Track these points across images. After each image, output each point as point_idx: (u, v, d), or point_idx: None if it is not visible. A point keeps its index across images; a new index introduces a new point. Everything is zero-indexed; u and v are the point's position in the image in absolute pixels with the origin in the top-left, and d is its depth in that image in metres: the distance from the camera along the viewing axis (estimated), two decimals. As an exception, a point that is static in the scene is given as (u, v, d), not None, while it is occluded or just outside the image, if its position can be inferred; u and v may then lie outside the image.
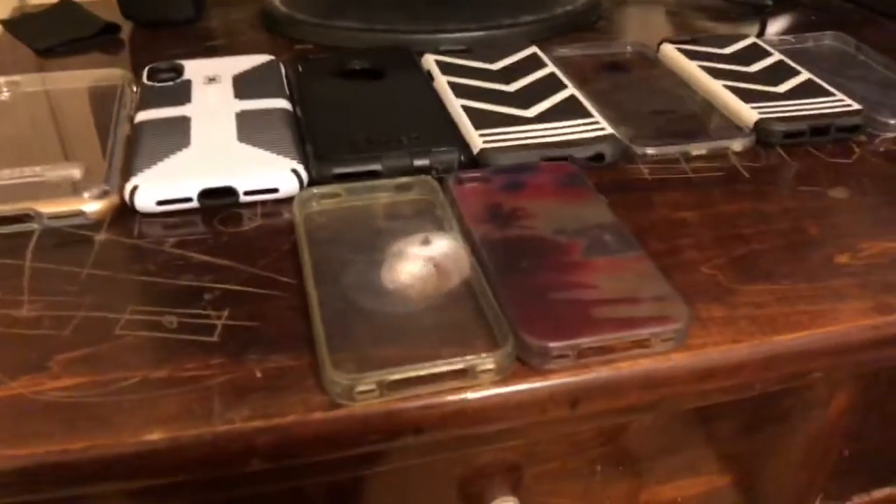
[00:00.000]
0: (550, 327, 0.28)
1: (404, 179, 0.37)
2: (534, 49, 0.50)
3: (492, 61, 0.49)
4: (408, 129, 0.40)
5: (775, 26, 0.61)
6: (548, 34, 0.55)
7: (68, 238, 0.34)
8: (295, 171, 0.37)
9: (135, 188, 0.35)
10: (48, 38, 0.53)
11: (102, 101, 0.44)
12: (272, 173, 0.36)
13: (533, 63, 0.48)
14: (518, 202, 0.35)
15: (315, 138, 0.39)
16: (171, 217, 0.36)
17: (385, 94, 0.45)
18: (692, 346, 0.28)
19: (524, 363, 0.27)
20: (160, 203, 0.35)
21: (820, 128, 0.42)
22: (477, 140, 0.40)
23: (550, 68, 0.47)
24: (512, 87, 0.45)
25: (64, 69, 0.49)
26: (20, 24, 0.56)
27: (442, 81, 0.46)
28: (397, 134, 0.39)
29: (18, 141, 0.40)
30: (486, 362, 0.26)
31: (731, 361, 0.29)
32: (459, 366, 0.26)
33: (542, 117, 0.42)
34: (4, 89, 0.45)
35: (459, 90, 0.44)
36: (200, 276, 0.32)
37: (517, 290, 0.29)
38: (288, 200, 0.37)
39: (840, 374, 0.36)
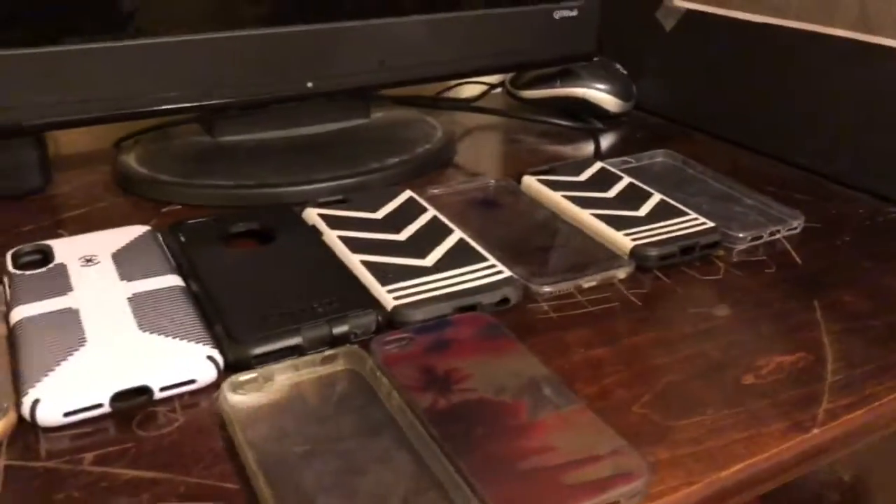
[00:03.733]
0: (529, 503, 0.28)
1: (328, 352, 0.36)
2: (409, 193, 0.52)
3: (373, 210, 0.50)
4: (317, 296, 0.39)
5: (607, 143, 0.68)
6: (413, 175, 0.57)
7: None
8: (211, 358, 0.35)
9: (36, 401, 0.32)
10: None
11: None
12: (187, 364, 0.34)
13: (413, 207, 0.50)
14: (449, 362, 0.35)
15: (223, 318, 0.38)
16: (81, 427, 0.33)
17: (278, 257, 0.44)
18: (653, 496, 0.30)
19: (506, 543, 0.27)
20: (67, 414, 0.32)
21: (687, 248, 0.47)
22: (387, 298, 0.40)
23: (431, 212, 0.49)
24: (402, 236, 0.46)
25: None
26: None
27: (332, 237, 0.46)
28: (309, 302, 0.39)
29: None
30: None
31: None
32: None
33: (439, 265, 0.43)
34: None
35: (352, 244, 0.45)
36: (134, 498, 0.29)
37: (480, 464, 0.29)
38: (206, 390, 0.35)
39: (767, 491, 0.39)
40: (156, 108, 0.50)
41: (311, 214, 0.48)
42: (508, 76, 0.76)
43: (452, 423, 0.32)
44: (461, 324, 0.38)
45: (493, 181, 0.56)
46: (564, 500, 0.28)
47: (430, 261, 0.44)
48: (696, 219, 0.49)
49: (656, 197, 0.53)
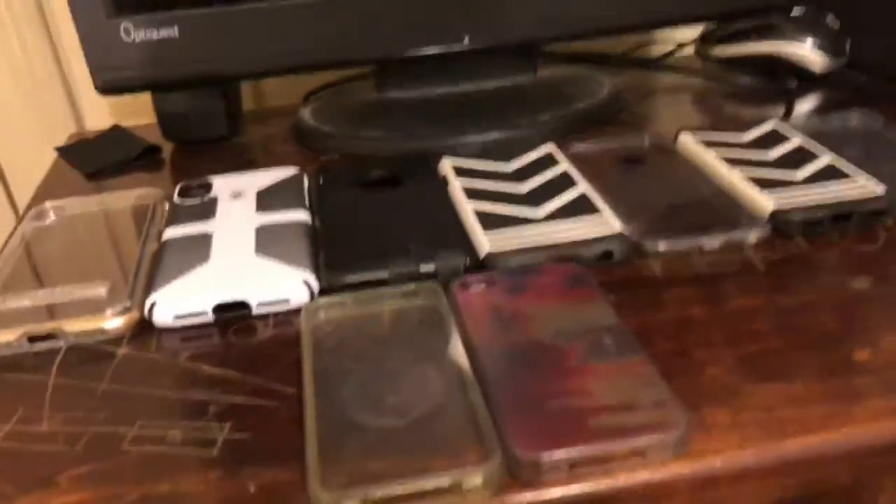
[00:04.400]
0: (543, 438, 0.27)
1: (410, 286, 0.37)
2: (550, 147, 0.51)
3: (507, 162, 0.50)
4: (416, 236, 0.41)
5: (804, 106, 0.61)
6: (567, 131, 0.56)
7: (91, 354, 0.36)
8: (306, 282, 0.38)
9: (153, 304, 0.37)
10: (95, 162, 0.57)
11: (137, 221, 0.47)
12: (284, 285, 0.38)
13: (547, 161, 0.49)
14: (520, 306, 0.35)
15: (327, 248, 0.40)
16: (188, 330, 0.37)
17: (400, 201, 0.46)
18: (693, 453, 0.28)
19: (516, 477, 0.27)
20: (177, 318, 0.37)
21: (841, 215, 0.42)
22: (484, 243, 0.40)
23: (564, 166, 0.48)
24: (524, 188, 0.46)
25: (109, 190, 0.53)
26: (73, 151, 0.60)
27: (456, 185, 0.47)
28: (406, 241, 0.40)
29: (55, 263, 0.43)
30: (474, 477, 0.26)
31: (735, 469, 0.28)
32: (446, 481, 0.26)
33: (551, 217, 0.42)
34: (51, 213, 0.49)
35: (472, 193, 0.45)
36: (209, 390, 0.33)
37: (511, 399, 0.29)
38: (299, 311, 0.38)
39: (876, 478, 0.34)
40: (321, 62, 0.54)
41: (445, 164, 0.50)
42: (699, 33, 0.71)
43: (498, 359, 0.31)
44: (547, 273, 0.38)
45: (648, 140, 0.54)
46: (582, 439, 0.27)
47: (542, 212, 0.43)
48: (863, 185, 0.43)
49: (824, 159, 0.47)
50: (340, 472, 0.27)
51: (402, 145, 0.55)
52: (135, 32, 0.51)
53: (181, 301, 0.37)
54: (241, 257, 0.40)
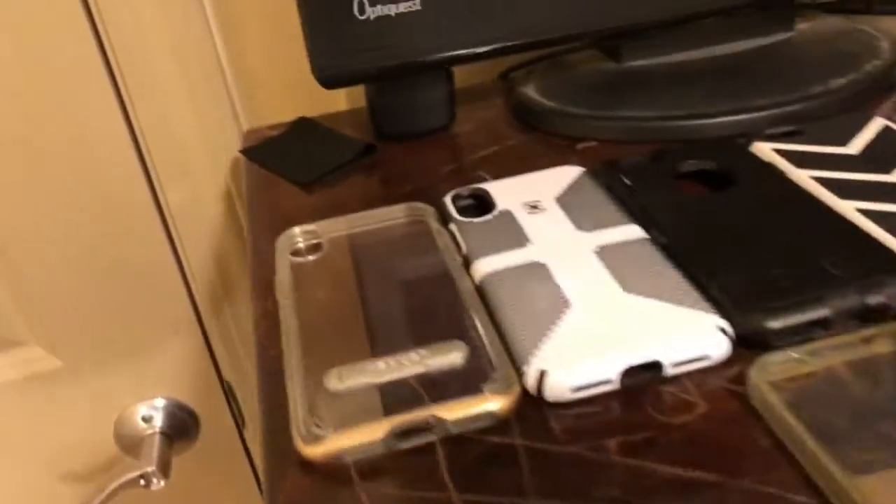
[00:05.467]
0: None
1: (869, 330, 0.29)
2: (882, 121, 0.42)
3: (840, 143, 0.41)
4: (821, 253, 0.32)
5: None
6: (865, 98, 0.47)
7: (484, 451, 0.27)
8: (722, 330, 0.29)
9: (542, 373, 0.28)
10: (306, 168, 0.48)
11: (419, 247, 0.38)
12: (698, 336, 0.29)
13: (894, 140, 0.40)
14: None
15: (717, 279, 0.32)
16: (586, 406, 0.29)
17: (745, 202, 0.37)
18: None
19: None
20: (575, 389, 0.28)
21: None
22: (921, 259, 0.31)
23: (927, 144, 0.39)
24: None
25: (333, 202, 0.44)
26: (265, 153, 0.51)
27: (801, 177, 0.38)
28: (815, 262, 0.32)
29: (348, 314, 0.34)
30: None
31: None
32: None
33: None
34: (300, 240, 0.40)
35: (836, 188, 0.36)
36: (687, 500, 0.25)
37: None
38: (714, 369, 0.29)
39: None
40: (556, 37, 0.45)
41: (764, 150, 0.41)
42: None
43: None
44: None
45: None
46: None
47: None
48: None
49: None
50: None
51: (680, 126, 0.45)
52: (370, 8, 0.41)
53: (578, 366, 0.28)
54: (610, 299, 0.31)
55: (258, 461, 0.78)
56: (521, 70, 0.56)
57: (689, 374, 0.29)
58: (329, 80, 0.43)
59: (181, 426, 0.73)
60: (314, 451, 0.27)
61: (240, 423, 0.76)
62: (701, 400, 0.28)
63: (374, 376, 0.29)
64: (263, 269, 0.39)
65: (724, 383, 0.29)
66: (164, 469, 0.67)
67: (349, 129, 0.53)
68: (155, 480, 0.66)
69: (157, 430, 0.71)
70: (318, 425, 0.27)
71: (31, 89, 0.55)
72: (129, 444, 0.72)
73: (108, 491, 0.64)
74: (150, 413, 0.72)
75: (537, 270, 0.34)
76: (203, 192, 0.63)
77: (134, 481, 0.66)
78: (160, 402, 0.72)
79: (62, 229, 0.61)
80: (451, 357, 0.30)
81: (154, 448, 0.69)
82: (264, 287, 0.37)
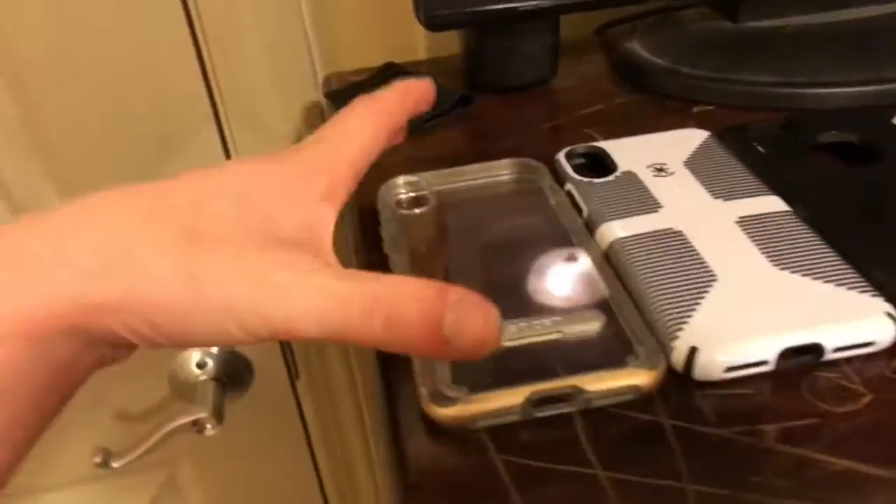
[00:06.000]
0: None
1: None
2: None
3: None
4: None
5: None
6: None
7: (629, 426, 0.25)
8: (890, 316, 0.27)
9: (693, 350, 0.26)
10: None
11: (530, 204, 0.36)
12: (863, 320, 0.27)
13: None
14: None
15: (881, 262, 0.29)
16: (737, 387, 0.26)
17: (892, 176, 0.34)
18: None
19: None
20: (729, 369, 0.26)
21: None
22: None
23: None
24: None
25: (428, 154, 0.42)
26: (351, 98, 0.48)
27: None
28: None
29: (469, 270, 0.32)
30: None
31: None
32: None
33: None
34: (402, 191, 0.37)
35: None
36: (863, 498, 0.22)
37: None
38: (874, 357, 0.27)
39: None
40: None
41: (907, 124, 0.38)
42: None
43: None
44: None
45: None
46: None
47: None
48: None
49: None
50: None
51: (811, 94, 0.42)
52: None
53: (733, 345, 0.26)
54: (760, 274, 0.29)
55: (309, 413, 0.77)
56: (623, 25, 0.53)
57: (848, 360, 0.27)
58: (435, 20, 0.41)
59: (235, 374, 0.72)
60: (445, 413, 0.25)
61: (293, 375, 0.74)
62: (864, 388, 0.26)
63: (506, 339, 0.27)
64: (364, 219, 0.37)
65: (888, 372, 0.26)
66: (218, 415, 0.66)
67: (435, 78, 0.50)
68: (209, 426, 0.65)
69: (211, 376, 0.70)
70: (450, 387, 0.25)
71: (110, 29, 0.53)
72: (183, 389, 0.71)
73: (162, 433, 0.64)
74: (205, 359, 0.71)
75: (674, 238, 0.31)
76: (273, 137, 0.61)
77: (187, 426, 0.65)
78: (215, 349, 0.70)
79: (133, 169, 0.59)
80: (589, 326, 0.28)
81: (208, 394, 0.68)
82: (369, 239, 0.35)
